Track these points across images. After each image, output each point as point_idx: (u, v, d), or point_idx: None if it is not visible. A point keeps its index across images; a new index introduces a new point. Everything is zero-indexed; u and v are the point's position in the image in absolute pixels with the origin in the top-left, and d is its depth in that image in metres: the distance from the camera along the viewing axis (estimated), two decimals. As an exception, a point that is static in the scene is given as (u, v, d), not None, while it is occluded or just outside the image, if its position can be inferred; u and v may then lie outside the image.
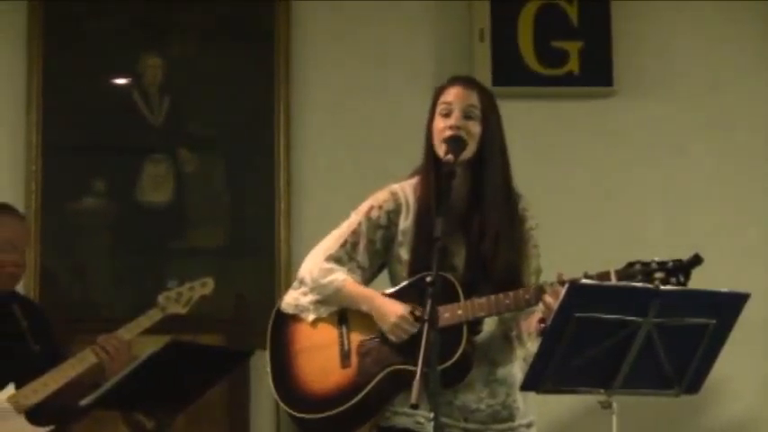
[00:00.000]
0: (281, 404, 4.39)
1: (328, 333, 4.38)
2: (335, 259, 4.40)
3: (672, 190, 6.70)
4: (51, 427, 5.44)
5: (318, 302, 4.40)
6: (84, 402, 5.06)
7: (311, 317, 4.41)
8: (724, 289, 4.04)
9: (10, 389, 5.35)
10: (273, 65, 6.69)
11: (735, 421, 6.58)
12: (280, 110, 6.66)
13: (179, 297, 5.66)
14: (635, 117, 6.72)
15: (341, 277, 4.36)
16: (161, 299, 5.65)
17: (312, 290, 4.40)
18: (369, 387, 4.26)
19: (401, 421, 4.28)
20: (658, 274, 4.07)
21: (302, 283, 4.45)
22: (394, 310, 4.25)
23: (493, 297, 4.17)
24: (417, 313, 4.15)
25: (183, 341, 5.06)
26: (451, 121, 4.29)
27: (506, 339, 4.33)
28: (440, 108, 4.34)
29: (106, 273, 6.48)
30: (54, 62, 6.58)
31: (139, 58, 6.68)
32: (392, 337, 4.25)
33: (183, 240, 6.63)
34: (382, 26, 6.73)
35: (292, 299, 4.47)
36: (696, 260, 4.10)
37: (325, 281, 4.37)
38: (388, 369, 4.25)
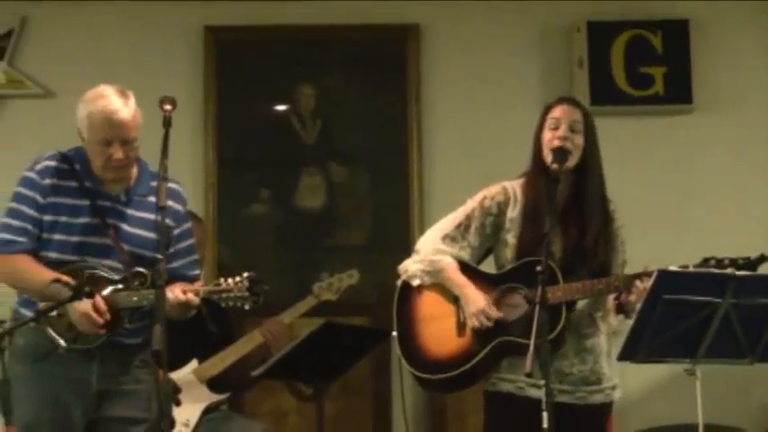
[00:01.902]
0: (405, 364, 4.38)
1: (445, 305, 4.37)
2: (450, 237, 4.39)
3: (745, 193, 6.59)
4: (228, 394, 5.54)
5: (424, 272, 4.40)
6: (255, 373, 5.13)
7: (416, 282, 4.42)
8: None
9: (193, 363, 5.45)
10: (406, 90, 6.69)
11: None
12: (412, 128, 6.66)
13: (330, 286, 5.72)
14: (712, 130, 6.61)
15: (447, 260, 4.36)
16: (315, 288, 5.71)
17: (422, 261, 4.40)
18: (481, 355, 4.25)
19: (505, 387, 4.26)
20: (729, 270, 4.02)
21: (417, 252, 4.46)
22: (476, 303, 4.26)
23: (588, 282, 4.16)
24: (529, 296, 4.17)
25: (334, 323, 5.10)
26: (560, 132, 4.27)
27: (591, 316, 4.31)
28: (549, 122, 4.33)
29: (271, 266, 6.49)
30: (226, 93, 6.65)
31: (296, 87, 6.73)
32: (469, 324, 4.27)
33: (334, 239, 6.65)
34: (496, 56, 6.71)
35: (406, 265, 4.47)
36: (762, 258, 4.06)
37: (434, 258, 4.38)
38: (498, 340, 4.24)
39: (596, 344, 4.31)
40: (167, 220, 4.22)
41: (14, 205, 4.27)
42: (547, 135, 4.31)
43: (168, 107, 4.07)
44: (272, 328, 5.57)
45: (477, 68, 6.71)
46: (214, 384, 5.46)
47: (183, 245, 4.43)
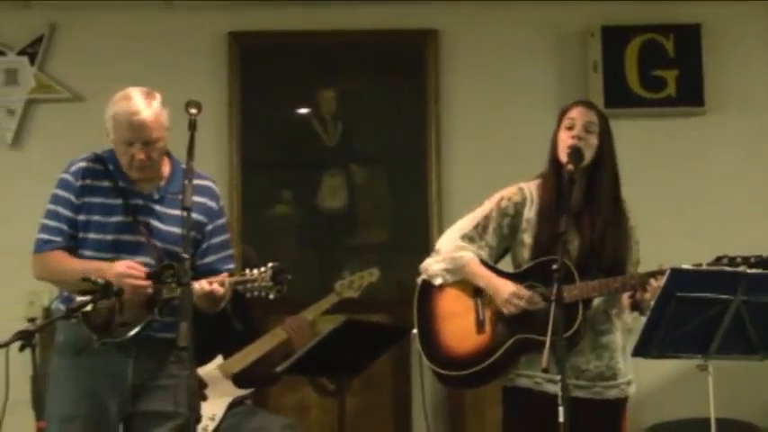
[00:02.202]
0: (426, 361, 4.37)
1: (465, 303, 4.37)
2: (469, 237, 4.38)
3: (756, 193, 6.58)
4: (252, 389, 5.55)
5: (446, 270, 4.39)
6: (278, 369, 5.13)
7: (438, 281, 4.40)
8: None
9: (219, 359, 5.45)
10: (425, 93, 6.71)
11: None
12: (431, 129, 6.67)
13: (351, 284, 5.72)
14: (723, 131, 6.62)
15: (468, 255, 4.35)
16: (337, 286, 5.72)
17: (444, 259, 4.39)
18: (500, 352, 4.25)
19: (522, 382, 4.27)
20: (742, 268, 4.02)
21: (437, 252, 4.45)
22: (507, 288, 4.24)
23: (604, 280, 4.17)
24: (546, 294, 4.16)
25: (355, 320, 5.11)
26: (574, 132, 4.29)
27: (607, 313, 4.31)
28: (565, 122, 4.34)
29: (293, 265, 6.44)
30: (250, 96, 6.68)
31: (317, 91, 6.75)
32: (504, 310, 4.25)
33: (355, 238, 6.66)
34: (513, 60, 6.72)
35: (427, 264, 4.45)
36: None
37: (456, 255, 4.36)
38: (516, 337, 4.24)
39: (612, 340, 4.31)
40: (199, 217, 4.26)
41: (51, 206, 4.30)
42: (562, 135, 4.33)
43: (193, 110, 4.09)
44: (295, 324, 5.58)
45: (494, 72, 6.72)
46: (239, 379, 5.47)
47: (217, 240, 4.40)
